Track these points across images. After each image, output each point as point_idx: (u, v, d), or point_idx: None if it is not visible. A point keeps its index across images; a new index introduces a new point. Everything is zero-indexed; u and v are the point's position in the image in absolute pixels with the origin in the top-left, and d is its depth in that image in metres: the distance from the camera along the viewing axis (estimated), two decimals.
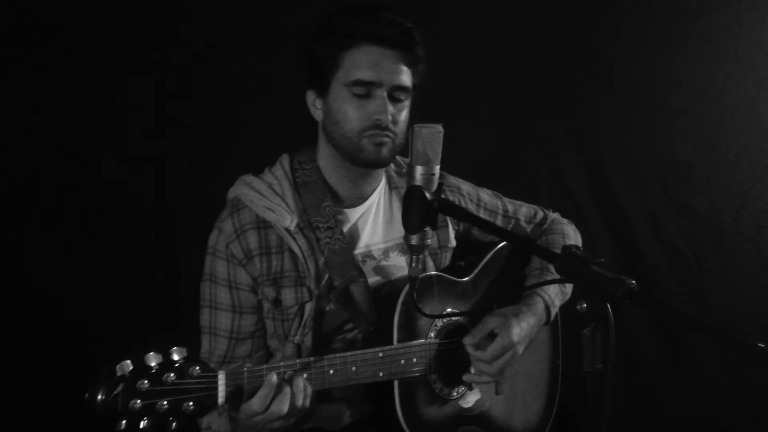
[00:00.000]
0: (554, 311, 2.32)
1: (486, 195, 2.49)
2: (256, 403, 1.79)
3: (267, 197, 2.12)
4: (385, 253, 2.25)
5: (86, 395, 1.59)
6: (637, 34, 3.55)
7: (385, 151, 2.08)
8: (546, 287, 2.30)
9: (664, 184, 3.63)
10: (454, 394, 2.22)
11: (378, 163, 2.13)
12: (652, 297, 1.51)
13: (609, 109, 3.58)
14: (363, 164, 2.12)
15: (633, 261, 3.62)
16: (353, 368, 1.96)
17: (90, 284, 2.94)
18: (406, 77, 2.09)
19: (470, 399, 2.27)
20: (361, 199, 2.24)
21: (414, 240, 1.90)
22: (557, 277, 1.59)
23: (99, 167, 2.95)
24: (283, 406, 1.80)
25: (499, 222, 2.47)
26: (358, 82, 2.04)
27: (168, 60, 3.00)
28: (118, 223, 2.96)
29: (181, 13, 3.00)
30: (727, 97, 3.59)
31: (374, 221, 2.26)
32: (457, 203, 2.37)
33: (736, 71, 3.58)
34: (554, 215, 2.57)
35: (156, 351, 1.65)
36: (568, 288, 2.38)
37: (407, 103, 2.13)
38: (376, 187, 2.27)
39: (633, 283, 1.46)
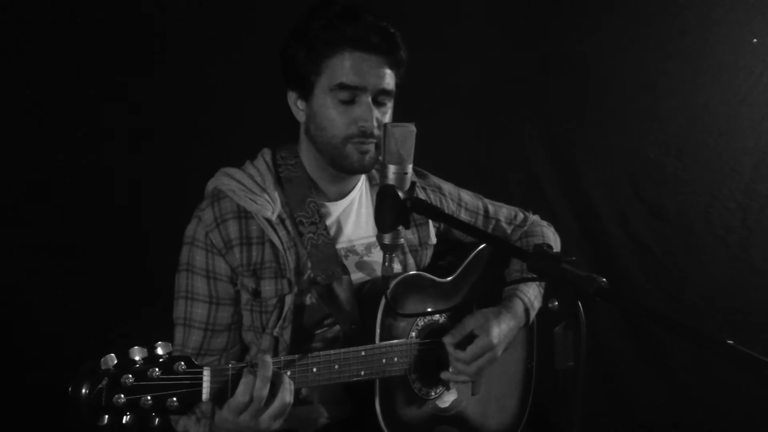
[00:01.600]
0: (533, 314, 2.34)
1: (467, 195, 2.49)
2: (240, 393, 1.74)
3: (249, 188, 2.09)
4: (368, 248, 2.24)
5: (69, 389, 1.54)
6: (607, 36, 3.59)
7: (368, 159, 2.08)
8: (526, 290, 2.32)
9: (635, 183, 3.68)
10: (433, 394, 2.23)
11: (362, 171, 2.13)
12: (622, 295, 1.51)
13: (580, 110, 3.61)
14: (346, 171, 2.12)
15: (604, 259, 3.66)
16: (336, 366, 1.95)
17: (65, 284, 2.94)
18: (390, 80, 2.08)
19: (447, 399, 2.28)
20: (343, 193, 2.23)
21: (387, 239, 1.89)
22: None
23: (72, 163, 2.94)
24: (264, 391, 1.76)
25: (479, 222, 2.48)
26: (342, 86, 2.02)
27: (141, 58, 2.99)
28: (87, 221, 2.96)
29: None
30: (696, 98, 3.64)
31: (357, 216, 2.25)
32: (438, 203, 2.38)
33: (705, 72, 3.63)
34: (534, 217, 2.58)
35: (140, 345, 1.61)
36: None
37: (390, 105, 2.12)
38: (357, 182, 2.27)
39: (604, 281, 1.47)
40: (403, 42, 2.09)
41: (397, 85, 2.12)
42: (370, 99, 2.04)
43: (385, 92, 2.07)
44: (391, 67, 2.08)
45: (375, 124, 2.04)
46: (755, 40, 3.60)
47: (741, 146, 3.65)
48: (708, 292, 3.69)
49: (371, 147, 2.07)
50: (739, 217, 3.67)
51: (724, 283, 3.69)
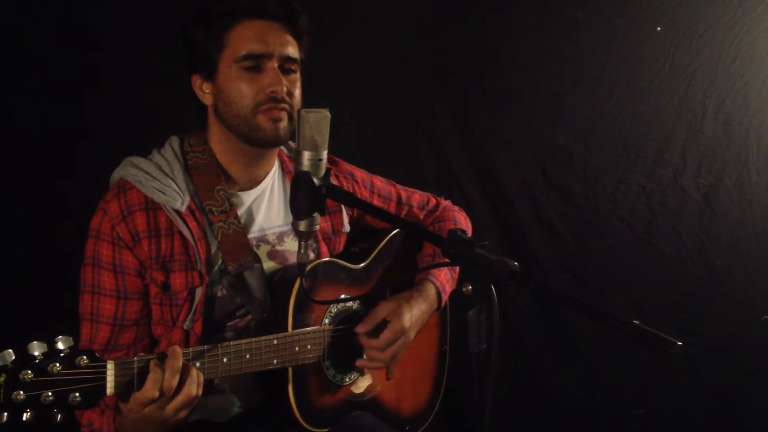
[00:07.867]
0: (445, 297, 2.36)
1: (380, 182, 2.49)
2: (148, 388, 1.73)
3: (156, 178, 2.04)
4: (280, 237, 2.22)
5: None
6: (516, 22, 3.62)
7: (282, 128, 2.05)
8: (438, 274, 2.34)
9: (544, 168, 3.74)
10: (347, 380, 2.24)
11: (276, 141, 2.09)
12: (533, 278, 1.55)
13: (491, 95, 3.63)
14: (260, 143, 2.08)
15: (515, 243, 3.71)
16: (247, 356, 1.94)
17: None
18: (293, 49, 2.08)
19: (362, 384, 2.29)
20: (255, 182, 2.20)
21: (302, 226, 1.88)
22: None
23: None
24: (173, 382, 1.75)
25: (392, 209, 2.48)
26: (248, 57, 2.01)
27: (44, 48, 2.87)
28: None
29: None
30: (602, 85, 3.72)
31: (269, 205, 2.22)
32: (351, 190, 2.37)
33: (611, 59, 3.71)
34: (446, 203, 2.61)
35: (40, 340, 1.57)
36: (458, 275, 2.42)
37: (298, 76, 2.11)
38: (270, 170, 2.24)
39: (515, 265, 1.50)
40: (303, 11, 2.10)
41: (303, 61, 2.13)
42: (276, 65, 2.04)
43: (290, 59, 2.07)
44: (293, 36, 2.09)
45: (285, 89, 2.03)
46: (659, 28, 3.70)
47: (645, 132, 3.75)
48: (614, 274, 3.78)
49: (283, 115, 2.05)
50: (644, 200, 3.78)
51: (629, 264, 3.79)
